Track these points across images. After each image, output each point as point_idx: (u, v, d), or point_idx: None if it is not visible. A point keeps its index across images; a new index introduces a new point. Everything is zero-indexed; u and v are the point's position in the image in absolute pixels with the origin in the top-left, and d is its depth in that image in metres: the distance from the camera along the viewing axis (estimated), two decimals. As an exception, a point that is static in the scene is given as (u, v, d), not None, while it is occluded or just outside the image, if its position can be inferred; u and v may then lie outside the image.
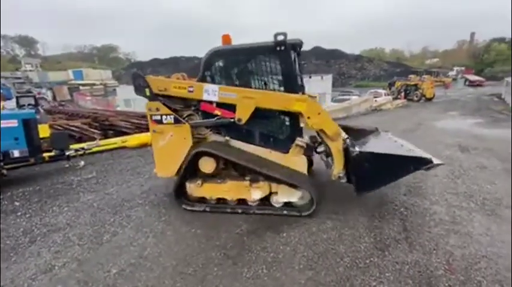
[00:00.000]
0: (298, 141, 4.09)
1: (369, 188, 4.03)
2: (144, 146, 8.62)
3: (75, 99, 31.22)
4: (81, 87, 39.23)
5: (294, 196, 4.05)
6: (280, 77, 3.99)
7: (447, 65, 58.81)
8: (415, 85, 22.55)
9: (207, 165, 4.09)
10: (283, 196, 4.09)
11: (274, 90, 4.06)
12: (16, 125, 5.38)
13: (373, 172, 3.77)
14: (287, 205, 4.15)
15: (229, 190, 4.16)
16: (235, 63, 4.20)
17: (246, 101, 3.97)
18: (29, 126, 5.49)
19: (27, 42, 76.90)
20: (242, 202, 4.23)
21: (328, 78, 27.11)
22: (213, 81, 4.13)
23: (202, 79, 4.15)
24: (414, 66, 52.96)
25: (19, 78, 37.32)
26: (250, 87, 4.07)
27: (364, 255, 3.17)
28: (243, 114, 4.03)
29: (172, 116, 4.10)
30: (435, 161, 3.70)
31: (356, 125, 5.76)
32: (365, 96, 18.65)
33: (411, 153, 4.00)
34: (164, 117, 4.11)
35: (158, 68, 60.58)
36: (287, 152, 4.17)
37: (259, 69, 4.06)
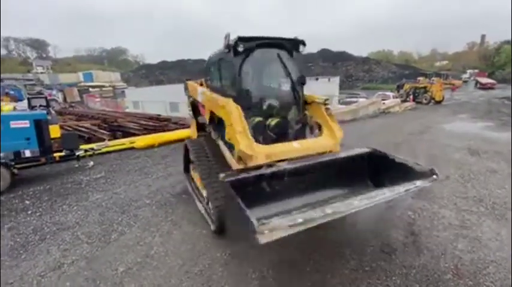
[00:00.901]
0: None
1: None
2: (152, 147, 8.74)
3: (85, 101, 31.70)
4: (90, 89, 39.78)
5: None
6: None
7: (457, 67, 57.91)
8: (424, 88, 22.21)
9: None
10: None
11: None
12: (28, 125, 5.51)
13: None
14: None
15: None
16: (217, 67, 4.30)
17: (206, 104, 4.24)
18: (40, 126, 5.63)
19: (39, 45, 78.57)
20: None
21: (335, 81, 26.89)
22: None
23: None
24: (423, 69, 52.23)
25: (30, 80, 38.03)
26: (225, 92, 3.95)
27: (370, 259, 3.15)
28: (206, 116, 4.29)
29: None
30: None
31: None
32: (373, 98, 18.45)
33: None
34: None
35: (166, 70, 61.21)
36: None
37: (223, 73, 4.14)
